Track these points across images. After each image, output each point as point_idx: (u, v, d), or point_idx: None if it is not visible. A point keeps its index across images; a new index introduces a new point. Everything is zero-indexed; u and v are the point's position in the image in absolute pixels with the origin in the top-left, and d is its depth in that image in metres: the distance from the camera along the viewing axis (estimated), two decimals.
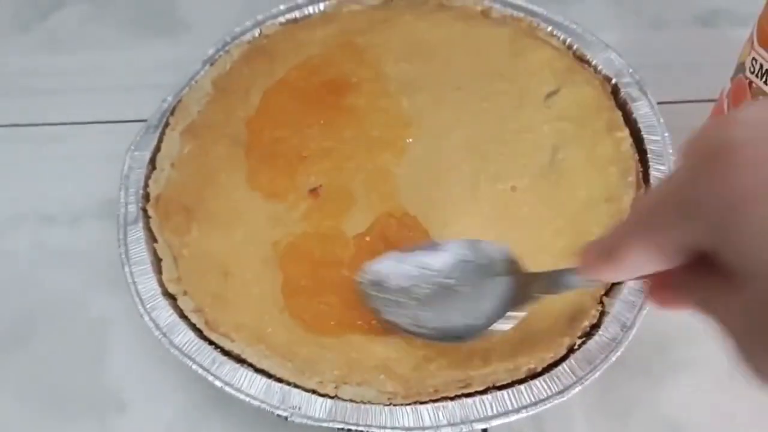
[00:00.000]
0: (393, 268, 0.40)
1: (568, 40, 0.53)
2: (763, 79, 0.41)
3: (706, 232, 0.21)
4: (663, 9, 0.62)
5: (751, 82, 0.42)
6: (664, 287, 0.27)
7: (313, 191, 0.45)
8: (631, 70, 0.50)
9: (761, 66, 0.41)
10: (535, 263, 0.42)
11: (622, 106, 0.49)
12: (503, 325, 0.36)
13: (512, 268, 0.38)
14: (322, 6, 0.56)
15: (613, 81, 0.50)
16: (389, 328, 0.39)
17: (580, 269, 0.29)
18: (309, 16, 0.56)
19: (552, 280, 0.35)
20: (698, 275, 0.23)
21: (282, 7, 0.56)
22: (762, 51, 0.41)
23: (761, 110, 0.21)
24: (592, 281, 0.31)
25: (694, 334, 0.45)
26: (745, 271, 0.21)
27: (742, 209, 0.20)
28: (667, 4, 0.62)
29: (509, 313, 0.36)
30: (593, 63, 0.51)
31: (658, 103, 0.49)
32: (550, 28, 0.54)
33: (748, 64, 0.42)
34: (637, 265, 0.25)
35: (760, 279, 0.20)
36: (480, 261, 0.38)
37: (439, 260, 0.39)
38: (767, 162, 0.20)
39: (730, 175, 0.20)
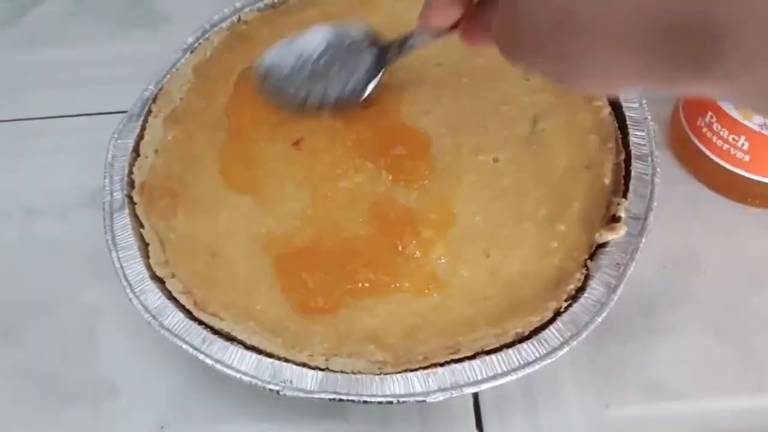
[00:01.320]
0: (278, 59, 0.47)
1: None
2: None
3: None
4: None
5: None
6: (471, 28, 0.36)
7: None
8: None
9: None
10: (518, 231, 0.43)
11: None
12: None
13: (373, 40, 0.45)
14: None
15: None
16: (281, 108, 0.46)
17: (418, 26, 0.38)
18: (287, 1, 0.56)
19: (402, 42, 0.43)
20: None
21: None
22: None
23: None
24: (431, 33, 0.38)
25: (678, 298, 0.45)
26: None
27: None
28: None
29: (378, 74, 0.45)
30: None
31: None
32: None
33: None
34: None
35: None
36: (345, 40, 0.46)
37: (311, 46, 0.46)
38: None
39: None
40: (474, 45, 0.36)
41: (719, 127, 0.45)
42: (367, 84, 0.45)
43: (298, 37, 0.47)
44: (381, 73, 0.45)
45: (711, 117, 0.46)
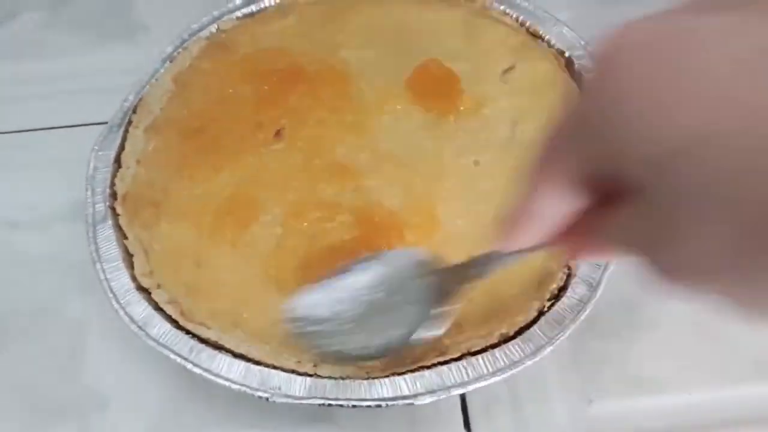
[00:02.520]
0: (321, 298, 0.37)
1: (521, 18, 0.54)
2: None
3: (598, 150, 0.21)
4: None
5: None
6: (577, 236, 0.26)
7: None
8: (583, 43, 0.51)
9: None
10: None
11: (577, 78, 0.50)
12: (433, 330, 0.35)
13: (428, 268, 0.36)
14: None
15: (567, 54, 0.51)
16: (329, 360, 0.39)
17: (499, 245, 0.28)
18: (265, 9, 0.56)
19: (474, 267, 0.33)
20: (605, 211, 0.23)
21: (238, 1, 0.56)
22: None
23: (642, 21, 0.21)
24: (515, 253, 0.29)
25: (658, 294, 0.46)
26: (632, 174, 0.21)
27: (616, 109, 0.20)
28: None
29: (433, 312, 0.35)
30: (546, 38, 0.53)
31: None
32: (502, 7, 0.55)
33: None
34: (548, 212, 0.25)
35: (648, 173, 0.20)
36: (395, 271, 0.37)
37: (363, 278, 0.37)
38: (641, 63, 0.20)
39: (606, 87, 0.21)
40: (580, 258, 0.29)
41: None
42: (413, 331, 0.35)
43: (340, 277, 0.38)
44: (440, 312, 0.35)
45: None
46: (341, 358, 0.37)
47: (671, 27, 0.20)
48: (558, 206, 0.24)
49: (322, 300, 0.37)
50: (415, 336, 0.35)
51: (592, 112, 0.22)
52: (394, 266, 0.37)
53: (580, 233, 0.26)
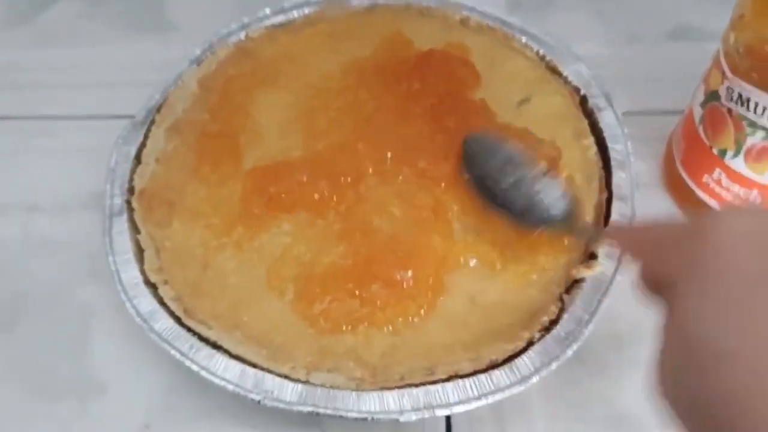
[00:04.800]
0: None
1: (541, 51, 0.55)
2: (745, 106, 0.43)
3: (671, 268, 0.27)
4: (636, 24, 0.65)
5: (730, 110, 0.44)
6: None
7: None
8: (598, 82, 0.53)
9: (740, 94, 0.43)
10: (503, 263, 0.45)
11: (589, 116, 0.51)
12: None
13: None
14: (306, 10, 0.58)
15: (582, 92, 0.53)
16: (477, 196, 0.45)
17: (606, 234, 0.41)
18: (294, 20, 0.58)
19: (585, 225, 0.45)
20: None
21: (267, 10, 0.58)
22: (738, 80, 0.43)
23: (747, 221, 0.26)
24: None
25: (648, 335, 0.47)
26: (674, 315, 0.26)
27: (694, 274, 0.25)
28: (641, 19, 0.65)
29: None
30: (564, 74, 0.54)
31: (625, 113, 0.51)
32: (524, 39, 0.56)
33: (723, 93, 0.44)
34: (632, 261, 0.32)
35: (690, 342, 0.25)
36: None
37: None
38: (745, 262, 0.24)
39: (706, 250, 0.26)
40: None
41: (729, 182, 0.47)
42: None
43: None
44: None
45: (719, 173, 0.47)
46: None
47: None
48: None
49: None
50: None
51: (686, 257, 0.27)
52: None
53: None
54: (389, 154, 0.48)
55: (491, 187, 0.45)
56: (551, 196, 0.44)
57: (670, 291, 0.27)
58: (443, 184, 0.47)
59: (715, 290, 0.24)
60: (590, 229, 0.45)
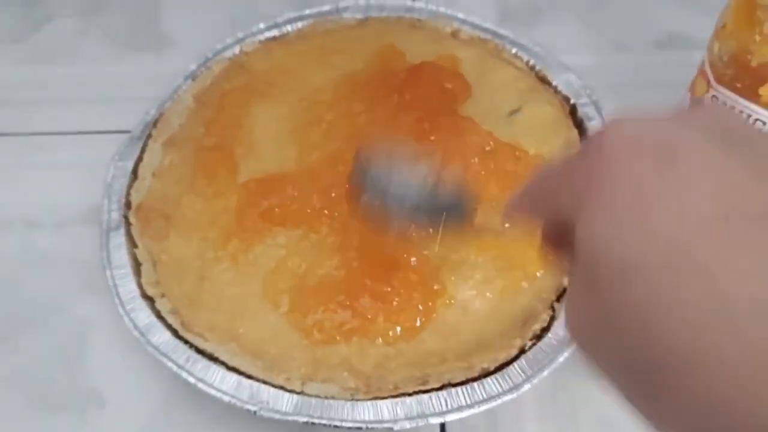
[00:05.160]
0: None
1: (531, 62, 0.56)
2: None
3: (567, 205, 0.24)
4: (624, 33, 0.65)
5: None
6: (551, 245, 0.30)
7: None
8: (588, 91, 0.53)
9: (724, 103, 0.44)
10: (493, 272, 0.45)
11: (579, 125, 0.52)
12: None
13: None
14: (299, 25, 0.59)
15: (572, 101, 0.53)
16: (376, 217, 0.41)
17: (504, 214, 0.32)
18: (287, 34, 0.59)
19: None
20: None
21: (262, 25, 0.59)
22: (722, 89, 0.44)
23: (642, 123, 0.23)
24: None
25: None
26: (581, 254, 0.22)
27: (596, 196, 0.22)
28: (628, 29, 0.66)
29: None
30: (554, 84, 0.55)
31: None
32: (515, 50, 0.57)
33: (707, 101, 0.45)
34: (527, 219, 0.29)
35: (593, 265, 0.22)
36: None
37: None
38: (637, 166, 0.22)
39: (593, 165, 0.23)
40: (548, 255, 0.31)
41: None
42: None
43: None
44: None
45: None
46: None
47: (662, 136, 0.22)
48: (537, 217, 0.28)
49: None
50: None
51: (569, 178, 0.24)
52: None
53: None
54: None
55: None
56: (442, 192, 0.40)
57: (573, 231, 0.23)
58: None
59: (611, 202, 0.22)
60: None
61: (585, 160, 0.24)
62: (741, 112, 0.43)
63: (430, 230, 0.40)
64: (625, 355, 0.21)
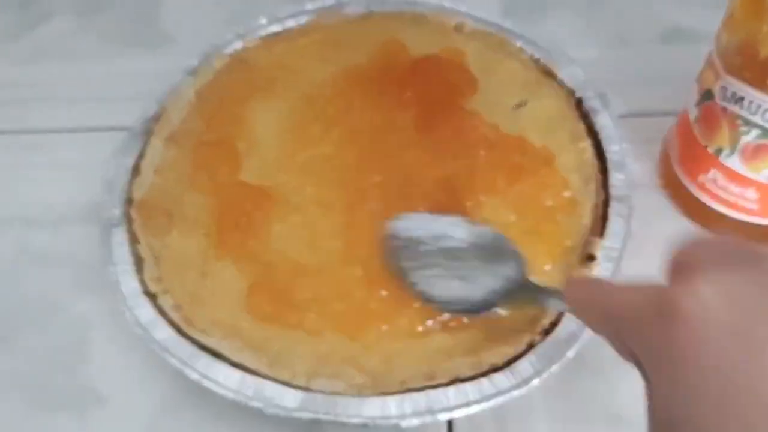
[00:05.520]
0: (424, 225, 0.44)
1: (536, 55, 0.55)
2: (739, 104, 0.43)
3: (641, 354, 0.27)
4: (629, 27, 0.65)
5: (724, 109, 0.44)
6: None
7: None
8: (593, 84, 0.53)
9: (733, 93, 0.43)
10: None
11: (585, 118, 0.52)
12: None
13: (519, 265, 0.42)
14: (301, 20, 0.59)
15: (577, 94, 0.53)
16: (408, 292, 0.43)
17: (565, 298, 0.35)
18: (289, 29, 0.58)
19: (541, 293, 0.40)
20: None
21: (263, 20, 0.58)
22: (731, 79, 0.43)
23: (715, 290, 0.24)
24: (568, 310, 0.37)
25: None
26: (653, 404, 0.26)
27: (666, 364, 0.24)
28: (633, 22, 0.65)
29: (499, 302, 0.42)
30: (559, 77, 0.54)
31: (620, 115, 0.51)
32: (519, 44, 0.56)
33: (717, 92, 0.45)
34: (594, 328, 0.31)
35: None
36: (489, 249, 0.43)
37: (460, 231, 0.43)
38: (700, 341, 0.23)
39: (671, 334, 0.24)
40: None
41: (725, 181, 0.47)
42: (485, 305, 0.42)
43: (442, 218, 0.44)
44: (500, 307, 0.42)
45: (715, 173, 0.47)
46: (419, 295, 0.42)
47: (739, 311, 0.23)
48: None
49: (419, 225, 0.44)
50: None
51: (653, 337, 0.26)
52: (484, 238, 0.43)
53: None
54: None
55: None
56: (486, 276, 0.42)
57: (642, 368, 0.26)
58: None
59: (685, 378, 0.23)
60: (548, 291, 0.41)
61: (661, 319, 0.25)
62: (751, 102, 0.43)
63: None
64: None
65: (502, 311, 0.42)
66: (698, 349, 0.23)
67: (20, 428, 0.45)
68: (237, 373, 0.41)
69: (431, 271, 0.42)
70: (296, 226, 0.46)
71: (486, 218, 0.45)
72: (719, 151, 0.46)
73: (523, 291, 0.41)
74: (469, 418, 0.40)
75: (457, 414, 0.39)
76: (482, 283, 0.42)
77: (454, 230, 0.43)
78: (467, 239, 0.43)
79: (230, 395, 0.40)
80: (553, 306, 0.41)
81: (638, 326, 0.27)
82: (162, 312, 0.44)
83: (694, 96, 0.48)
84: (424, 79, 0.52)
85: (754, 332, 0.22)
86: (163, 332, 0.42)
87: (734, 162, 0.46)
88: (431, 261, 0.43)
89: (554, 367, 0.40)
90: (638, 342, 0.27)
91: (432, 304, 0.42)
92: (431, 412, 0.39)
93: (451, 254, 0.43)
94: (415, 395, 0.40)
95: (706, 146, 0.47)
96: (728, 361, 0.22)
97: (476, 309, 0.42)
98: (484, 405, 0.39)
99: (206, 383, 0.40)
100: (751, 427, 0.22)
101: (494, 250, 0.43)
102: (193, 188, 0.48)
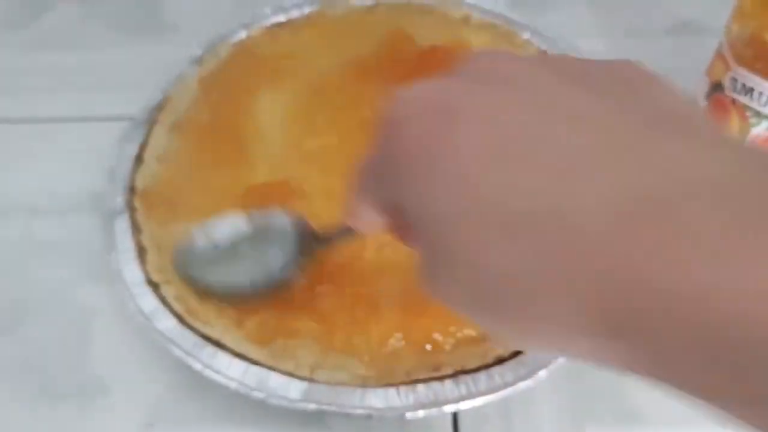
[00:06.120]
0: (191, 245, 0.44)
1: (543, 47, 0.55)
2: (749, 95, 0.43)
3: (390, 188, 0.26)
4: (636, 19, 0.65)
5: (734, 100, 0.44)
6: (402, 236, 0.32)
7: None
8: None
9: (743, 84, 0.43)
10: None
11: None
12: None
13: (297, 228, 0.42)
14: (306, 10, 0.58)
15: None
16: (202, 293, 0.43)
17: (342, 224, 0.36)
18: (294, 19, 0.58)
19: (326, 237, 0.41)
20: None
21: (268, 10, 0.58)
22: (741, 70, 0.43)
23: (420, 90, 0.25)
24: (351, 233, 0.37)
25: None
26: (410, 216, 0.25)
27: (402, 166, 0.24)
28: (641, 14, 0.65)
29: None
30: None
31: None
32: (526, 35, 0.56)
33: (727, 83, 0.44)
34: (371, 219, 0.30)
35: (416, 219, 0.24)
36: (265, 230, 0.43)
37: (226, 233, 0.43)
38: (408, 139, 0.24)
39: (385, 151, 0.25)
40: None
41: None
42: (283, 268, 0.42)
43: (214, 223, 0.44)
44: (300, 260, 0.42)
45: None
46: (209, 293, 0.43)
47: (438, 105, 0.24)
48: (375, 217, 0.30)
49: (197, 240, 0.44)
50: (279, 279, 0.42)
51: (380, 165, 0.26)
52: (263, 223, 0.43)
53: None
54: None
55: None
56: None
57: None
58: None
59: (409, 170, 0.24)
60: (328, 232, 0.41)
61: (380, 138, 0.26)
62: (761, 93, 0.42)
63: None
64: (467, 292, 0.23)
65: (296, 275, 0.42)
66: (417, 140, 0.24)
67: (23, 417, 0.44)
68: (240, 364, 0.40)
69: (224, 267, 0.43)
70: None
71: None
72: None
73: (310, 245, 0.42)
74: (474, 410, 0.40)
75: (462, 406, 0.39)
76: (274, 256, 0.42)
77: (237, 226, 0.43)
78: (247, 230, 0.43)
79: (233, 385, 0.40)
80: (341, 239, 0.40)
81: (372, 168, 0.27)
82: (164, 302, 0.43)
83: (704, 88, 0.47)
84: (431, 69, 0.51)
85: (447, 111, 0.23)
86: (166, 322, 0.42)
87: None
88: (223, 259, 0.43)
89: (561, 359, 0.40)
90: (381, 184, 0.27)
91: (230, 295, 0.43)
92: (436, 404, 0.39)
93: (235, 248, 0.43)
94: (420, 387, 0.39)
95: None
96: (429, 143, 0.23)
97: (279, 283, 0.42)
98: (490, 397, 0.39)
99: (209, 373, 0.40)
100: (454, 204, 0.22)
101: (268, 230, 0.43)
102: (198, 177, 0.48)
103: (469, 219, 0.22)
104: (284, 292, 0.42)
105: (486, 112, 0.23)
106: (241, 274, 0.42)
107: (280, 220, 0.43)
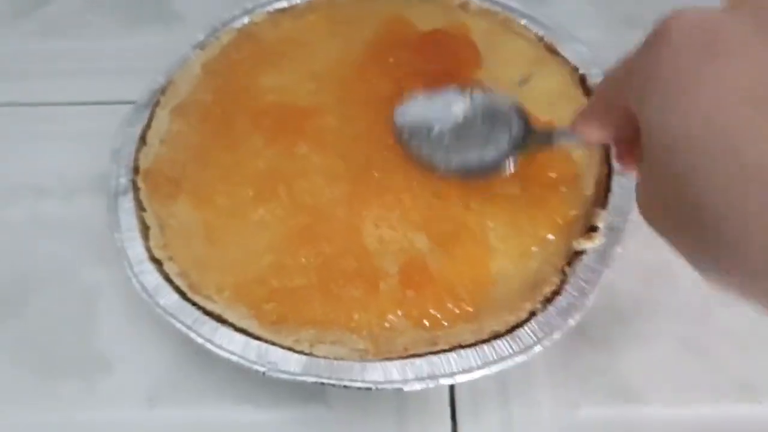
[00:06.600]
0: (418, 119, 0.46)
1: (540, 33, 0.56)
2: None
3: (637, 98, 0.27)
4: (635, 9, 0.65)
5: None
6: (623, 153, 0.35)
7: None
8: (598, 62, 0.53)
9: None
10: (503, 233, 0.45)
11: (589, 94, 0.52)
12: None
13: (521, 118, 0.44)
14: None
15: (581, 71, 0.53)
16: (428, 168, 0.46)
17: (570, 128, 0.37)
18: (296, 5, 0.59)
19: (549, 135, 0.42)
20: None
21: None
22: None
23: (696, 14, 0.26)
24: (579, 138, 0.37)
25: (651, 308, 0.47)
26: (644, 137, 0.26)
27: (653, 83, 0.26)
28: (639, 4, 0.65)
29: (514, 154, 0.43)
30: (563, 55, 0.54)
31: None
32: (524, 22, 0.57)
33: None
34: (601, 125, 0.33)
35: (650, 136, 0.26)
36: (491, 109, 0.45)
37: (454, 110, 0.46)
38: (686, 56, 0.25)
39: (656, 55, 0.26)
40: (624, 168, 0.37)
41: None
42: (502, 160, 0.44)
43: (441, 94, 0.47)
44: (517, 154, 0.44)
45: None
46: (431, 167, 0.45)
47: (710, 27, 0.25)
48: (608, 122, 0.33)
49: (425, 114, 0.46)
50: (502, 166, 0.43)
51: (637, 72, 0.28)
52: (490, 102, 0.46)
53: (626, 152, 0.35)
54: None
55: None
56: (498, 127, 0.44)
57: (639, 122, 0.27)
58: None
59: (664, 88, 0.25)
60: (552, 130, 0.43)
61: (645, 49, 0.27)
62: None
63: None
64: (677, 218, 0.25)
65: (511, 166, 0.43)
66: (677, 63, 0.25)
67: (28, 394, 0.45)
68: (241, 338, 0.41)
69: (443, 147, 0.45)
70: None
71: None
72: None
73: (531, 138, 0.43)
74: (471, 384, 0.41)
75: (459, 379, 0.39)
76: (492, 143, 0.44)
77: (454, 106, 0.46)
78: (466, 111, 0.46)
79: (234, 359, 0.40)
80: (561, 140, 0.42)
81: (629, 71, 0.29)
82: (167, 278, 0.44)
83: None
84: (431, 52, 0.52)
85: (715, 44, 0.25)
86: (169, 298, 0.43)
87: None
88: (441, 139, 0.45)
89: (556, 334, 0.40)
90: (630, 90, 0.28)
91: (449, 173, 0.45)
92: (433, 377, 0.39)
93: (456, 129, 0.45)
94: (417, 360, 0.40)
95: None
96: (693, 66, 0.25)
97: (491, 168, 0.44)
98: (486, 371, 0.39)
99: (210, 347, 0.41)
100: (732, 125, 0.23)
101: (494, 111, 0.45)
102: (200, 158, 0.49)
103: (706, 154, 0.23)
104: (493, 178, 0.44)
105: (754, 53, 0.24)
106: (471, 152, 0.44)
107: (503, 100, 0.45)
